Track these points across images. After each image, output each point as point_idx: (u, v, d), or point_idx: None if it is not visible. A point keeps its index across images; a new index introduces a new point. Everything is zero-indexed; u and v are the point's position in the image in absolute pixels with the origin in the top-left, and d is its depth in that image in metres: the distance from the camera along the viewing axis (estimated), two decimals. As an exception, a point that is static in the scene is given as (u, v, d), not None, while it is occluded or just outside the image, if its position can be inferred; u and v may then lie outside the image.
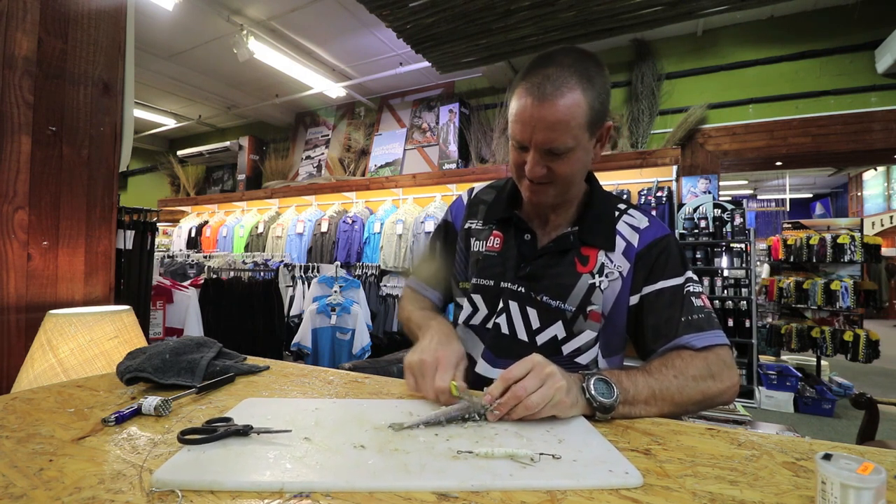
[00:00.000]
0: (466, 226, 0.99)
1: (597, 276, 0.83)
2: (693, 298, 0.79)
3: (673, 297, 0.79)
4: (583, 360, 0.83)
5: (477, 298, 0.91)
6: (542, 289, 0.84)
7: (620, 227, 0.86)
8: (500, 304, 0.87)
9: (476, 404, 0.61)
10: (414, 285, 1.05)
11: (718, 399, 0.72)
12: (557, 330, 0.83)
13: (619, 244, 0.84)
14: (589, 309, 0.82)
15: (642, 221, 0.86)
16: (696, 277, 0.83)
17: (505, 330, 0.86)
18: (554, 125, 0.72)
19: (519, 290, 0.86)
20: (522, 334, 0.85)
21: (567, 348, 0.83)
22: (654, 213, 2.34)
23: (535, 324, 0.84)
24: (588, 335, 0.83)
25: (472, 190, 1.04)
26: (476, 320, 0.91)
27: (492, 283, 0.89)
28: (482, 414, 0.60)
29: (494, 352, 0.87)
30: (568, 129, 0.73)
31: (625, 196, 3.78)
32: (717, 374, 0.71)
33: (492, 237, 0.93)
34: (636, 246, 0.83)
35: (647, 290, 0.82)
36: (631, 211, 0.88)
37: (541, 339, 0.84)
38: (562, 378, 0.61)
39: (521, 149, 0.79)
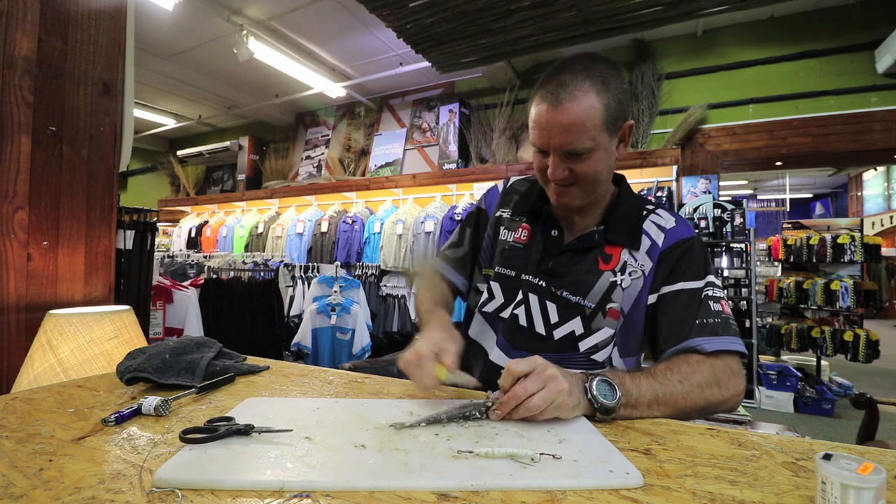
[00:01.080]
0: (498, 213, 1.01)
1: (619, 273, 0.83)
2: (711, 303, 0.78)
3: (690, 300, 0.79)
4: (599, 357, 0.84)
5: (495, 287, 0.93)
6: (562, 285, 0.85)
7: (647, 226, 0.86)
8: (520, 296, 0.88)
9: (478, 403, 0.61)
10: (439, 267, 1.06)
11: (722, 407, 0.72)
12: (575, 325, 0.84)
13: (645, 242, 0.85)
14: (608, 306, 0.83)
15: (669, 221, 0.87)
16: (718, 283, 0.82)
17: (523, 322, 0.87)
18: (569, 128, 0.74)
19: (539, 283, 0.87)
20: (540, 328, 0.86)
21: (584, 345, 0.84)
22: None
23: (554, 318, 0.85)
24: (606, 332, 0.83)
25: (507, 180, 1.06)
26: (490, 308, 0.93)
27: (513, 273, 0.91)
28: (483, 413, 0.60)
29: (511, 342, 0.88)
30: (584, 130, 0.75)
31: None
32: (722, 382, 0.71)
33: (520, 229, 0.94)
34: (661, 245, 0.84)
35: (665, 289, 0.82)
36: (659, 211, 0.89)
37: (558, 333, 0.85)
38: (564, 380, 0.61)
39: (543, 153, 0.81)
